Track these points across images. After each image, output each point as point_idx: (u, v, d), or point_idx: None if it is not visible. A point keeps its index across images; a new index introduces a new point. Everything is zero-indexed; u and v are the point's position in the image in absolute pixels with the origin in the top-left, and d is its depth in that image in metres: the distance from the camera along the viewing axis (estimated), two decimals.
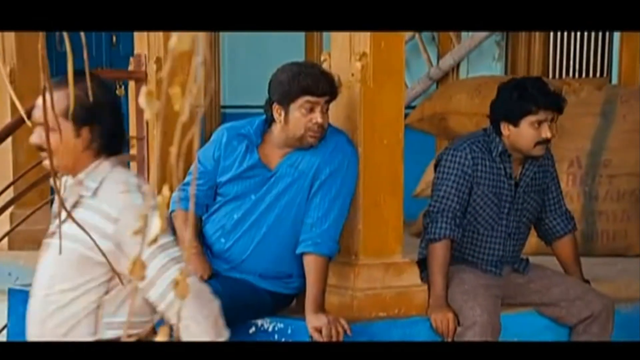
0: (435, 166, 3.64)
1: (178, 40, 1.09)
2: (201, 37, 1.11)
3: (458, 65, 6.26)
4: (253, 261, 3.40)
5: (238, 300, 3.31)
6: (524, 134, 3.46)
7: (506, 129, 3.50)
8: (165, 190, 1.15)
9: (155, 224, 1.13)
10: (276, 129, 3.37)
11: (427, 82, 6.35)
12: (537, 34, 6.13)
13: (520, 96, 3.45)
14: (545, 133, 3.45)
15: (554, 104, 3.47)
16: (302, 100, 3.28)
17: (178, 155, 1.07)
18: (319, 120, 3.29)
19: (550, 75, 6.15)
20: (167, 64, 1.11)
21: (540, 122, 3.45)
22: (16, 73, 5.15)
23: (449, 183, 3.52)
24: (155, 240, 1.15)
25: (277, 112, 3.32)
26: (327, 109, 3.33)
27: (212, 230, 3.44)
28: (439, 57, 6.34)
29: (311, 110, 3.29)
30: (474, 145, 3.53)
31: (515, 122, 3.46)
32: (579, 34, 6.10)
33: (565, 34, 6.15)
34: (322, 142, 3.35)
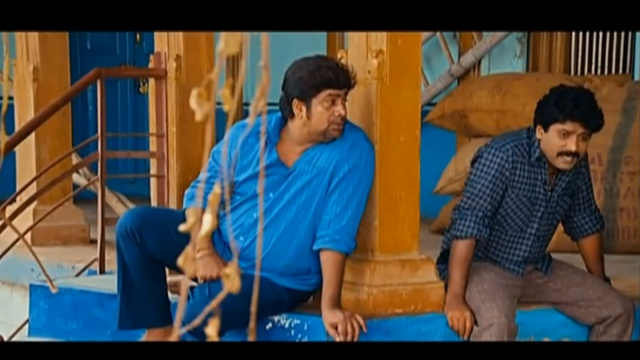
0: (473, 161, 3.59)
1: (225, 43, 1.11)
2: (264, 40, 1.13)
3: (479, 62, 6.23)
4: (272, 259, 3.41)
5: (256, 297, 3.32)
6: (550, 140, 3.42)
7: (539, 132, 3.46)
8: (217, 187, 1.16)
9: (207, 220, 1.12)
10: (294, 125, 3.37)
11: (448, 79, 6.33)
12: None
13: (555, 102, 3.41)
14: (570, 146, 3.39)
15: (582, 118, 3.39)
16: (324, 94, 3.29)
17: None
18: (342, 112, 3.30)
19: (572, 72, 6.12)
20: (216, 66, 1.12)
21: (567, 133, 3.39)
22: (39, 71, 5.19)
23: (485, 182, 3.48)
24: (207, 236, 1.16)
25: (298, 108, 3.32)
26: (345, 100, 3.34)
27: (230, 228, 3.45)
28: (460, 54, 6.32)
29: (333, 103, 3.30)
30: (516, 148, 3.48)
31: (545, 127, 3.43)
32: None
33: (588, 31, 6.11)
34: (340, 139, 3.36)
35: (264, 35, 1.15)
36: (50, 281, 2.37)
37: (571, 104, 3.38)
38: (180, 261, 1.11)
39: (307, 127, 3.34)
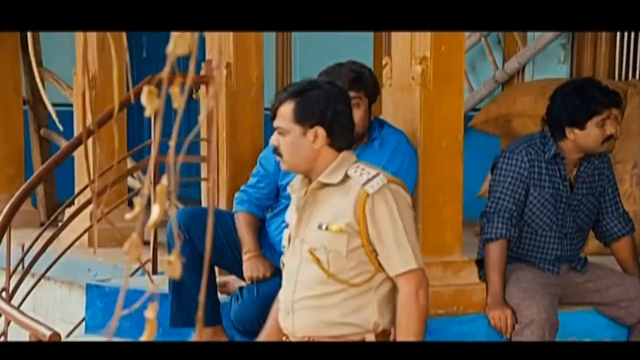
0: (492, 168, 3.64)
1: (175, 45, 1.13)
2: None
3: (523, 68, 6.18)
4: None
5: None
6: (591, 134, 3.47)
7: (572, 133, 3.48)
8: (164, 179, 1.17)
9: (155, 211, 1.13)
10: None
11: (492, 84, 6.28)
12: (603, 35, 6.02)
13: (583, 100, 3.44)
14: (610, 129, 3.48)
15: (615, 101, 3.51)
16: None
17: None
18: None
19: (616, 77, 6.04)
20: (167, 66, 1.15)
21: (604, 120, 3.46)
22: (97, 80, 5.26)
23: (505, 185, 3.52)
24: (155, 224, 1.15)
25: None
26: (359, 105, 3.29)
27: (277, 231, 3.47)
28: (504, 60, 6.27)
29: None
30: (530, 148, 3.53)
31: (581, 126, 3.46)
32: None
33: (632, 35, 6.03)
34: (382, 143, 3.35)
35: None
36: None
37: (599, 94, 3.46)
38: (124, 247, 1.13)
39: None
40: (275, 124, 2.73)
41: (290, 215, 2.78)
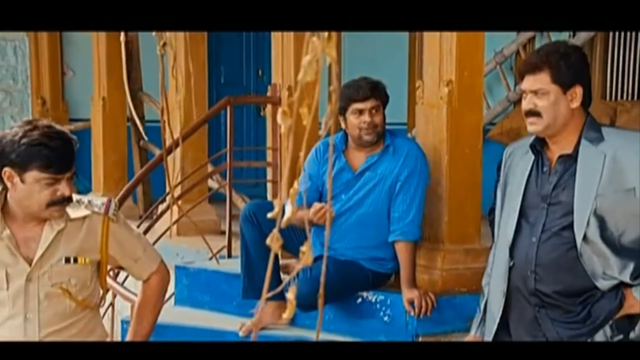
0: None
1: (304, 73, 1.12)
2: (334, 69, 1.13)
3: None
4: (350, 248, 3.39)
5: (345, 277, 3.31)
6: None
7: None
8: (296, 184, 1.16)
9: (288, 209, 1.11)
10: (348, 135, 3.38)
11: (506, 103, 6.20)
12: (597, 60, 5.89)
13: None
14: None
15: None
16: (352, 107, 3.28)
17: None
18: (367, 119, 3.27)
19: (608, 97, 5.91)
20: (297, 90, 1.14)
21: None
22: (185, 101, 5.28)
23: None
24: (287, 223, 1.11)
25: (343, 122, 3.33)
26: (377, 110, 3.27)
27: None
28: (516, 83, 6.18)
29: (360, 113, 3.26)
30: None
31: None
32: (632, 60, 5.84)
33: (621, 60, 5.89)
34: (396, 150, 3.32)
35: (333, 64, 1.14)
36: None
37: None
38: (268, 240, 1.11)
39: (350, 136, 3.34)
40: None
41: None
